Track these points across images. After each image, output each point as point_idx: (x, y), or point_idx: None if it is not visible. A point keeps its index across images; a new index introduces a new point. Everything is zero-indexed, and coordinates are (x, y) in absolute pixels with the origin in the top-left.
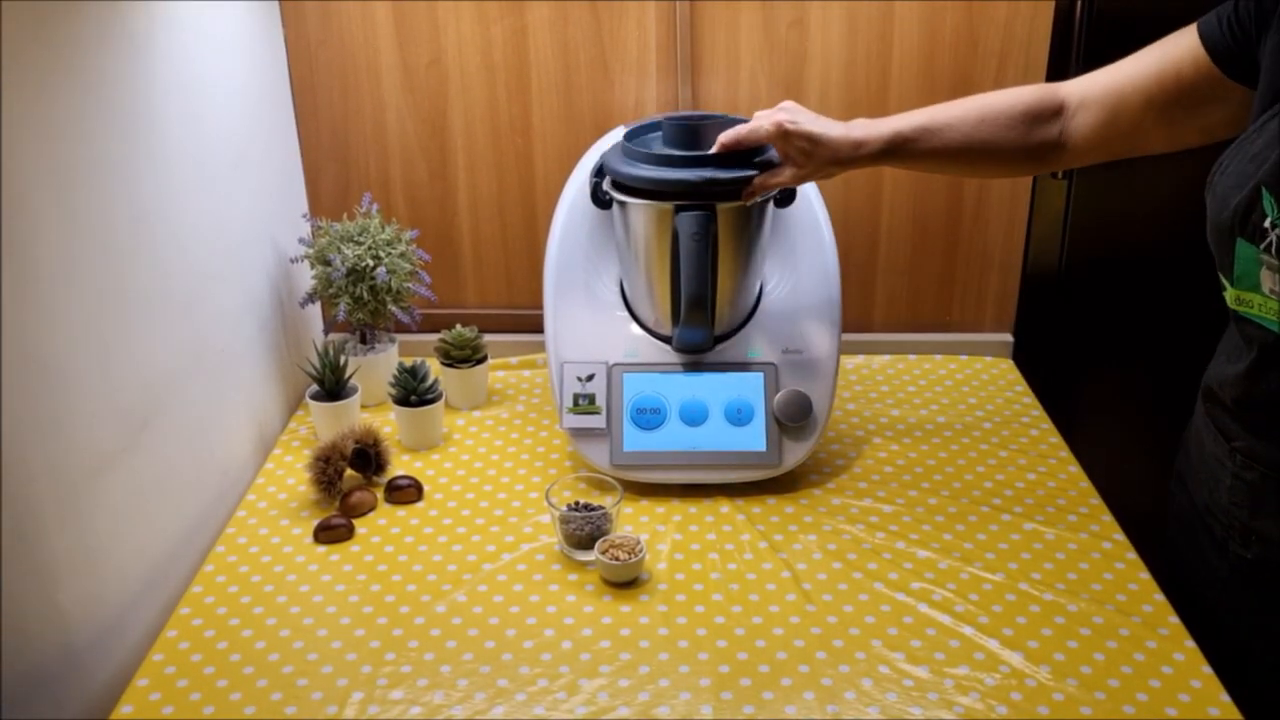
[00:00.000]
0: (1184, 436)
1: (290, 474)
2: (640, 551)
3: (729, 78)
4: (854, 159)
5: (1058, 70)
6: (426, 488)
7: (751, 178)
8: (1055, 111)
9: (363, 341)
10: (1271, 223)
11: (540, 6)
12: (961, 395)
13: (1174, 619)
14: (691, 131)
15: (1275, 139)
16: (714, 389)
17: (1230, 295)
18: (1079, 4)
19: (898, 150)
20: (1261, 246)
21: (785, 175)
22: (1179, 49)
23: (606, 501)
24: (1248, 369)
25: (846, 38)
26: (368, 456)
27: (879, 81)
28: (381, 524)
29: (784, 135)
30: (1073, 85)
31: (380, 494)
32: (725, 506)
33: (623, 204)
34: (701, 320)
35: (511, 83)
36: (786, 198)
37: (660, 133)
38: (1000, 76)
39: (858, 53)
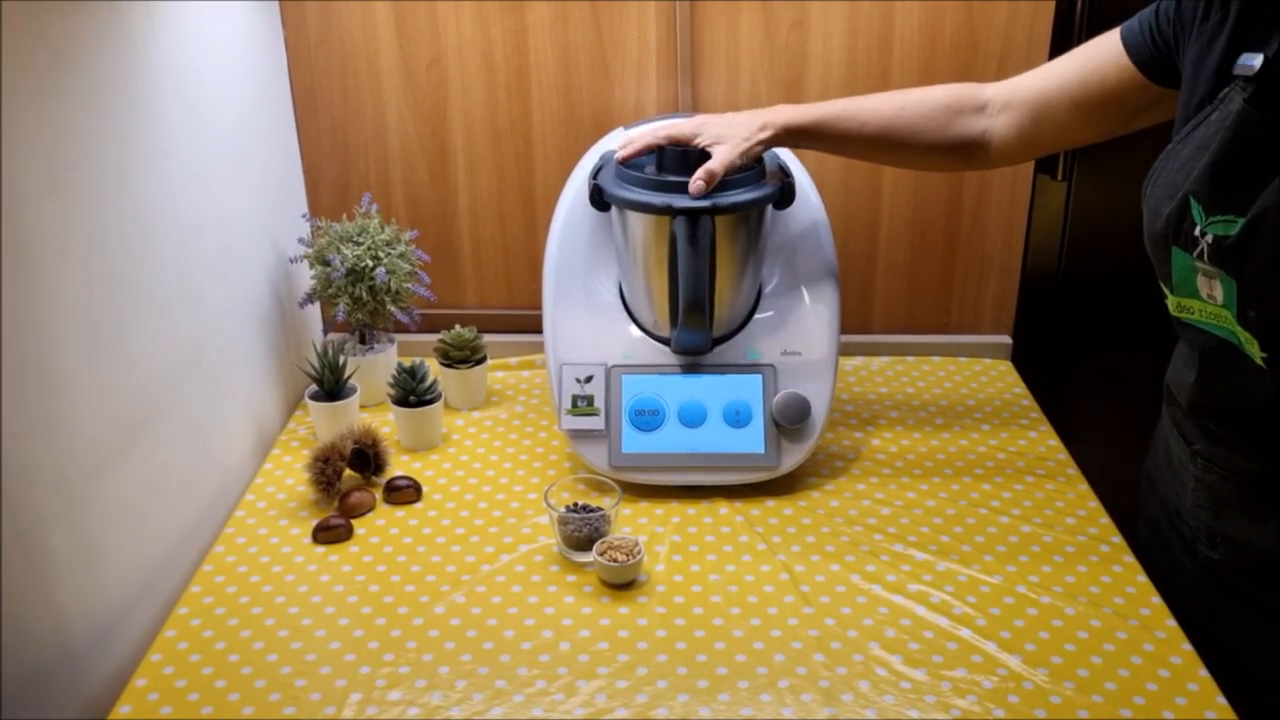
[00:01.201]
0: (1153, 438)
1: (289, 474)
2: (639, 553)
3: (729, 79)
4: (769, 127)
5: None
6: (425, 488)
7: (725, 206)
8: (977, 108)
9: (362, 342)
10: (1201, 230)
11: (540, 7)
12: (960, 397)
13: (1171, 622)
14: (685, 156)
15: (1199, 148)
16: (713, 391)
17: (1172, 303)
18: (1079, 5)
19: (810, 131)
20: (1194, 254)
21: (720, 156)
22: (1103, 55)
23: (605, 503)
24: (1197, 375)
25: (847, 39)
26: (367, 457)
27: (880, 84)
28: (380, 524)
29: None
30: (998, 86)
31: (379, 494)
32: (724, 508)
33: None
34: (700, 322)
35: (511, 83)
36: (785, 199)
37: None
38: (1000, 78)
39: (858, 54)
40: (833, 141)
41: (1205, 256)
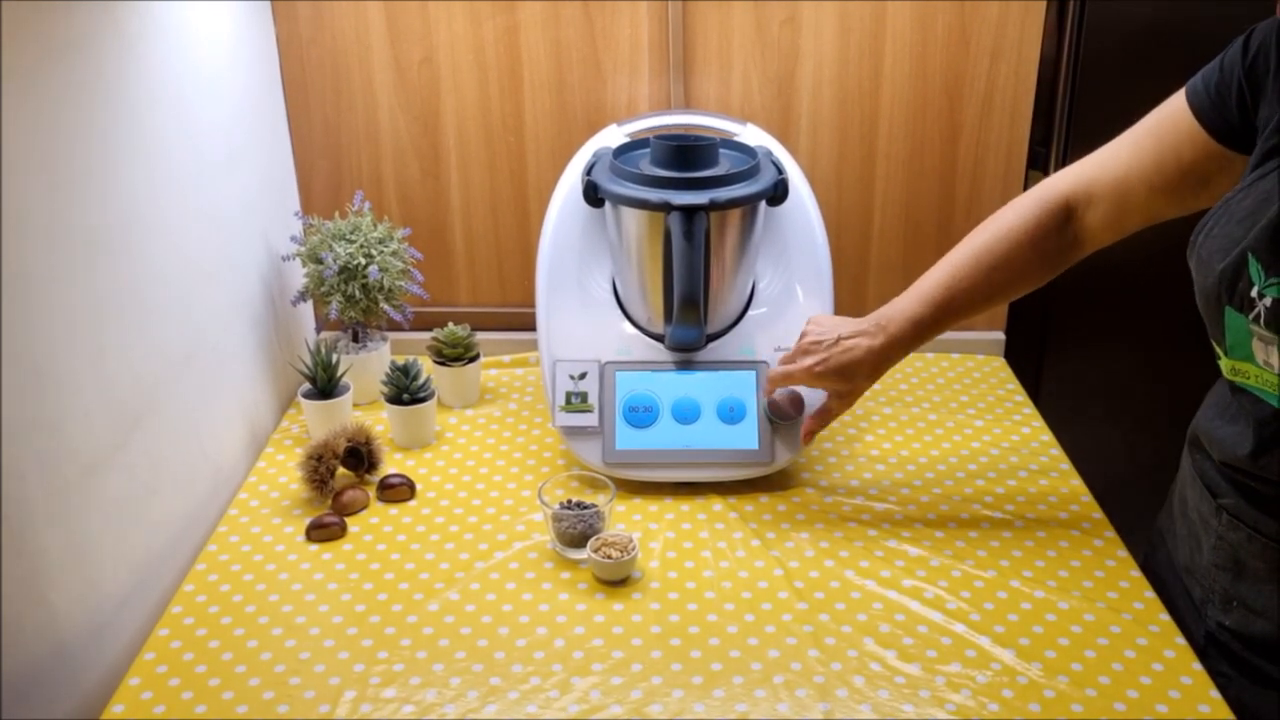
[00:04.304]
0: (1168, 491)
1: (282, 472)
2: (632, 549)
3: (721, 76)
4: (888, 364)
5: (1049, 70)
6: (419, 486)
7: (721, 202)
8: (1063, 218)
9: (355, 340)
10: (1259, 291)
11: (532, 5)
12: (954, 393)
13: (1164, 616)
14: (679, 152)
15: (1262, 201)
16: (706, 387)
17: (1225, 365)
18: (1071, 2)
19: (922, 335)
20: (1250, 316)
21: (836, 408)
22: (1176, 131)
23: (599, 500)
24: (1253, 448)
25: (839, 36)
26: (360, 455)
27: (871, 81)
28: (374, 522)
29: (816, 378)
30: (1073, 181)
31: (373, 492)
32: (717, 504)
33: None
34: (694, 319)
35: (504, 80)
36: (779, 196)
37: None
38: (993, 74)
39: (850, 51)
40: (943, 329)
41: (1262, 320)
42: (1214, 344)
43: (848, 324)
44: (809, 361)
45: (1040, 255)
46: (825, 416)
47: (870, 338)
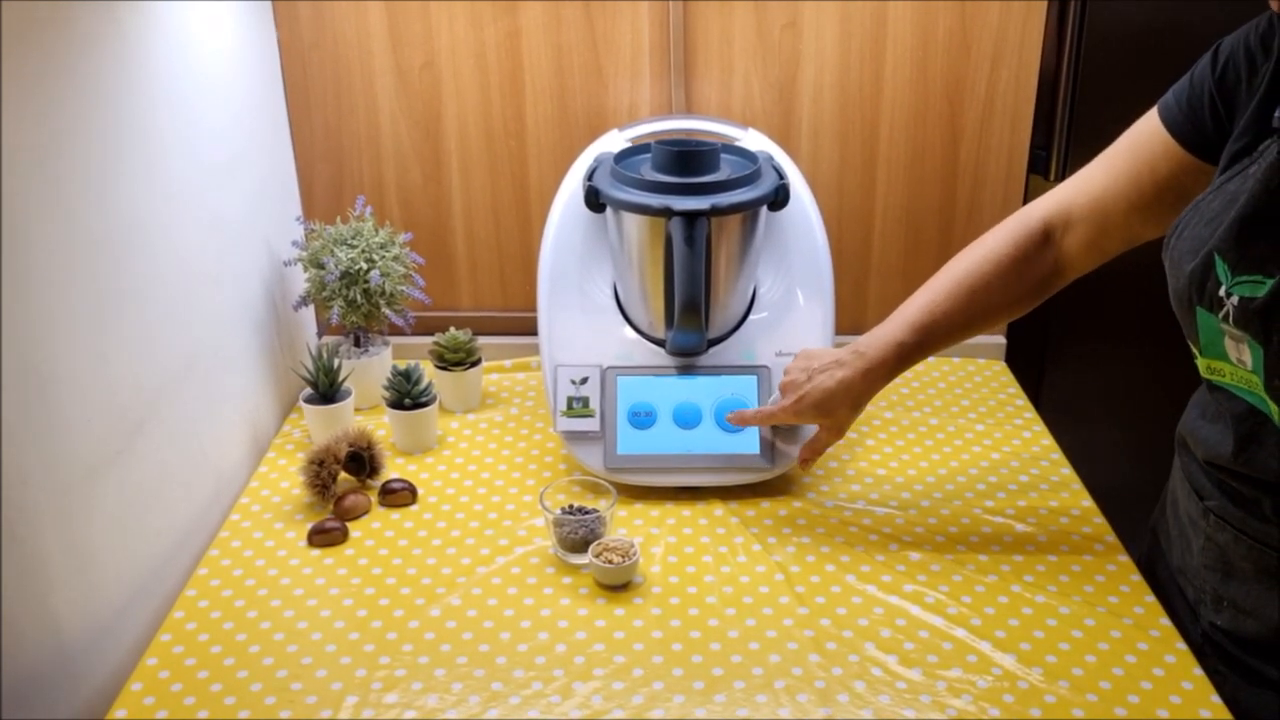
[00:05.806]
0: (1163, 492)
1: (284, 477)
2: (634, 554)
3: (722, 80)
4: (870, 392)
5: (1050, 74)
6: (420, 491)
7: (722, 207)
8: (1042, 242)
9: (356, 344)
10: (1226, 291)
11: (534, 9)
12: (955, 397)
13: (1165, 621)
14: (680, 157)
15: (1228, 202)
16: (708, 392)
17: (1202, 364)
18: (1072, 7)
19: (905, 360)
20: (1220, 316)
21: (825, 438)
22: (1148, 146)
23: (600, 505)
24: (1234, 447)
25: (840, 40)
26: (361, 459)
27: (872, 84)
28: (375, 527)
29: (796, 416)
30: (1052, 205)
31: (374, 497)
32: (719, 509)
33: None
34: (695, 323)
35: (505, 85)
36: (780, 201)
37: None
38: (993, 78)
39: (851, 55)
40: (923, 356)
41: (1231, 319)
42: (1190, 344)
43: (825, 356)
44: (786, 401)
45: (1020, 279)
46: (816, 445)
47: (845, 367)
